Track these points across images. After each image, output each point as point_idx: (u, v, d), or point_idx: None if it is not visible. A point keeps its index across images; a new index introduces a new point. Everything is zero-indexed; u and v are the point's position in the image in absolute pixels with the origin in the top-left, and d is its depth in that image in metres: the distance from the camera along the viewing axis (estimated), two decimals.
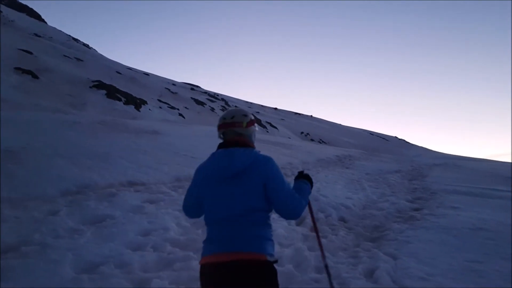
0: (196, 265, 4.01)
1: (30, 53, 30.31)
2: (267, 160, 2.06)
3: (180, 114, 33.18)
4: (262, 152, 2.15)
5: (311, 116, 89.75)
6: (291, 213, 2.07)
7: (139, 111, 27.33)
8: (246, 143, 2.14)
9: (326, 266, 2.64)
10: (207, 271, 1.94)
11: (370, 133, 77.14)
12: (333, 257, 4.50)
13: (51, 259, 3.78)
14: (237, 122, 2.17)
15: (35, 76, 24.64)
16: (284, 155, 15.11)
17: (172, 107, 34.64)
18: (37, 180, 6.42)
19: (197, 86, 69.45)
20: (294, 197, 2.07)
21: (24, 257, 3.79)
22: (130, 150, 10.23)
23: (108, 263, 3.85)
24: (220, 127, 2.22)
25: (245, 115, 2.21)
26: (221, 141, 2.22)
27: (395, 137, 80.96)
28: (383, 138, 73.16)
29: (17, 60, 26.56)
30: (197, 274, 2.05)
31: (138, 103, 28.60)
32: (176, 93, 45.27)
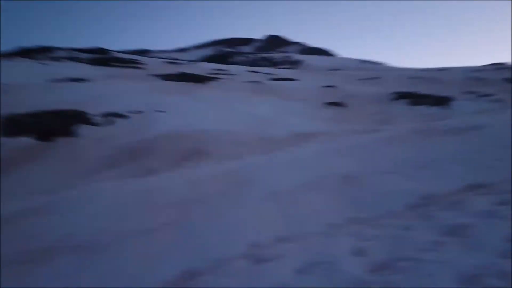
0: None
1: (333, 86, 34.55)
2: None
3: (495, 101, 28.82)
4: None
5: None
6: None
7: (448, 109, 25.69)
8: None
9: None
10: None
11: None
12: None
13: (426, 273, 3.88)
14: None
15: (343, 105, 27.73)
16: None
17: (486, 95, 30.63)
18: (378, 199, 6.95)
19: None
20: None
21: (399, 273, 4.04)
22: (453, 152, 9.61)
23: (486, 274, 3.59)
24: None
25: None
26: None
27: None
28: None
29: (324, 95, 30.81)
30: None
31: (443, 101, 27.02)
32: (483, 78, 40.01)
